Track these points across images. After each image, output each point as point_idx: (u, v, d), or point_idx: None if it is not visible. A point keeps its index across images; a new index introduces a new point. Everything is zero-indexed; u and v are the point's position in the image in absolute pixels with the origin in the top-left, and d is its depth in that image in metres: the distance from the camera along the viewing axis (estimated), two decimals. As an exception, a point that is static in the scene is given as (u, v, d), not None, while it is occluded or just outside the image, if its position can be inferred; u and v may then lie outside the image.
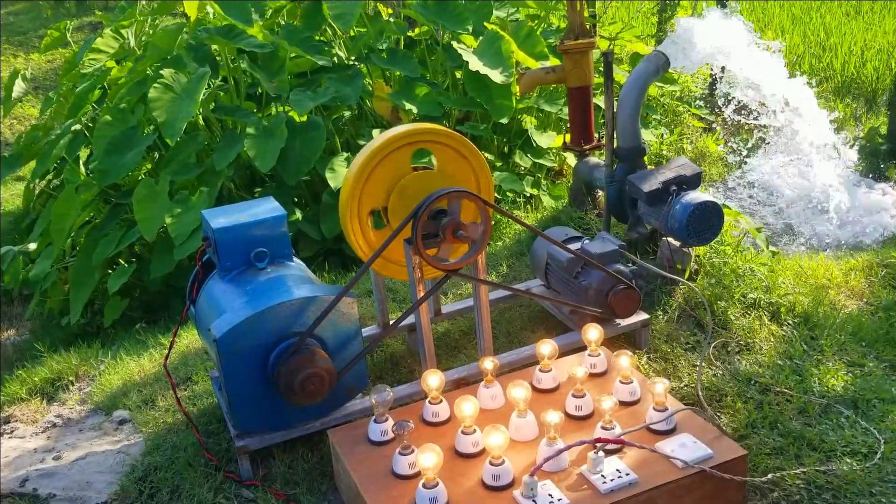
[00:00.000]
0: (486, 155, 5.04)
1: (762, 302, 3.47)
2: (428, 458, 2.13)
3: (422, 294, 2.70)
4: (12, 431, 3.17)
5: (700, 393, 2.89)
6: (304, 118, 4.70)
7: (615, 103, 3.67)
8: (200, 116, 4.89)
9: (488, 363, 2.61)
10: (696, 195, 3.40)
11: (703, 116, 6.11)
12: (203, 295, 2.84)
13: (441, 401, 2.55)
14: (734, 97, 4.89)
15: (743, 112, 5.55)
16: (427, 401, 2.56)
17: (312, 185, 4.82)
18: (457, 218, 2.63)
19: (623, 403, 2.55)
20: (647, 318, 3.19)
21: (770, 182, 5.27)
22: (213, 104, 4.94)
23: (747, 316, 3.40)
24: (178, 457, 2.76)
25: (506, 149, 5.30)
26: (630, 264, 3.18)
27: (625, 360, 2.56)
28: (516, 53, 4.92)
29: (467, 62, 4.74)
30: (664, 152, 5.63)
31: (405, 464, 2.30)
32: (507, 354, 3.03)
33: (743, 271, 3.64)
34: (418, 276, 2.70)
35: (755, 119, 5.27)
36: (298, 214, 4.58)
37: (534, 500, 2.14)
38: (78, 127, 5.15)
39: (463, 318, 3.50)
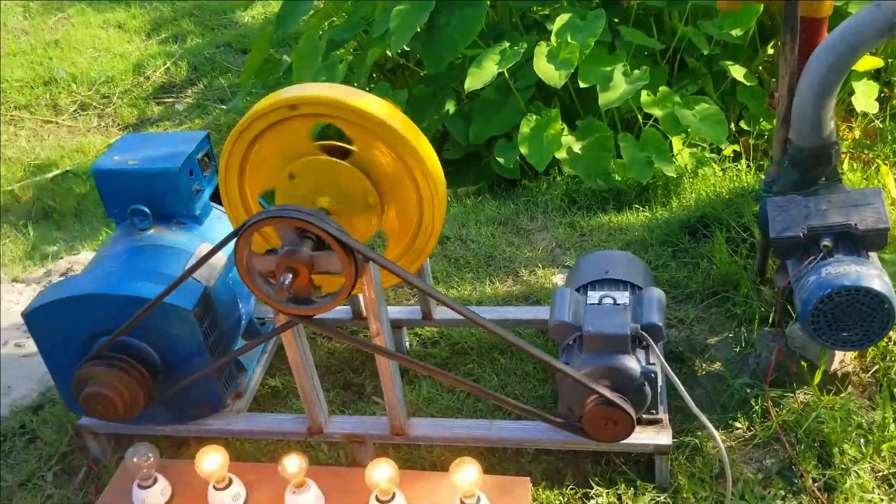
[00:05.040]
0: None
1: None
2: None
3: (280, 322, 1.94)
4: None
5: None
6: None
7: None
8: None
9: (292, 464, 1.83)
10: (853, 269, 1.93)
11: None
12: (114, 233, 2.43)
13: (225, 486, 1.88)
14: None
15: None
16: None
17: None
18: (293, 252, 1.76)
19: None
20: (668, 446, 2.00)
21: None
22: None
23: (882, 485, 1.99)
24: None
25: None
26: (646, 360, 1.96)
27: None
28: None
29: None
30: None
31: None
32: (427, 422, 2.17)
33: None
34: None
35: None
36: (450, 107, 3.77)
37: None
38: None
39: (459, 328, 2.59)
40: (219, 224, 2.36)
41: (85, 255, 3.52)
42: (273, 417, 2.26)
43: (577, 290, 2.14)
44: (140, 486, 1.93)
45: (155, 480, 1.93)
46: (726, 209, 2.90)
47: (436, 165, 1.94)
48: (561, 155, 3.35)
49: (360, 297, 2.51)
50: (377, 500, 1.81)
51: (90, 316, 2.04)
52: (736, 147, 3.37)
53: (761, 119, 3.55)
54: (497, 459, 2.16)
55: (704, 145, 3.42)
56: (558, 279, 2.83)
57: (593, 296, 2.07)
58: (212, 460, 1.87)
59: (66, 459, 2.33)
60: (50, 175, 4.72)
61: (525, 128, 3.34)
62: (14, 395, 2.63)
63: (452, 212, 3.37)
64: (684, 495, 2.02)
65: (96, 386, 1.99)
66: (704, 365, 2.37)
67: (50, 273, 3.41)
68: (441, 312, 2.52)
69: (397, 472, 1.80)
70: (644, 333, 1.94)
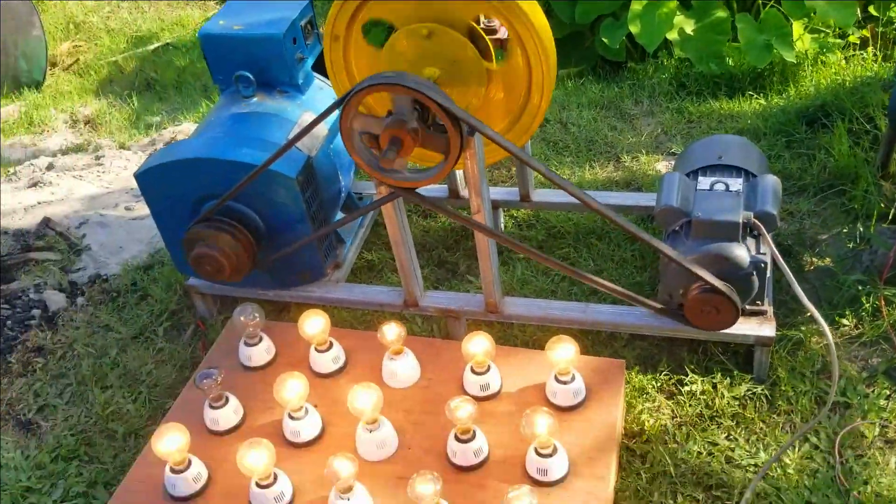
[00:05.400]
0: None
1: None
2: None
3: (382, 195, 1.94)
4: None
5: None
6: None
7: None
8: None
9: (392, 331, 1.86)
10: None
11: None
12: (220, 101, 2.45)
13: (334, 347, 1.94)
14: None
15: None
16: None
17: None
18: (400, 122, 1.73)
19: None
20: (770, 338, 1.95)
21: None
22: None
23: None
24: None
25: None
26: (756, 249, 1.88)
27: (542, 422, 1.61)
28: None
29: None
30: None
31: (213, 419, 1.86)
32: (522, 302, 2.16)
33: None
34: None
35: None
36: (554, -19, 3.60)
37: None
38: None
39: (556, 211, 2.55)
40: (320, 94, 2.35)
41: (187, 126, 3.59)
42: (371, 289, 2.30)
43: (687, 175, 2.06)
44: (246, 344, 2.01)
45: (260, 339, 2.00)
46: (849, 98, 2.71)
47: (547, 34, 1.85)
48: (672, 36, 3.17)
49: (458, 175, 2.48)
50: (472, 371, 1.84)
51: (197, 179, 2.09)
52: (865, 32, 3.12)
53: (892, 5, 3.27)
54: (590, 342, 2.16)
55: (827, 31, 3.18)
56: (662, 166, 2.73)
57: (704, 181, 1.99)
58: (314, 324, 1.92)
59: (175, 317, 2.45)
60: (151, 47, 4.78)
61: (636, 5, 3.16)
62: (125, 254, 2.75)
63: (552, 94, 3.26)
64: (783, 388, 1.98)
65: (205, 247, 2.05)
66: (814, 259, 2.28)
67: (154, 142, 3.50)
68: (539, 195, 2.48)
69: (493, 346, 1.82)
70: (757, 222, 1.87)
